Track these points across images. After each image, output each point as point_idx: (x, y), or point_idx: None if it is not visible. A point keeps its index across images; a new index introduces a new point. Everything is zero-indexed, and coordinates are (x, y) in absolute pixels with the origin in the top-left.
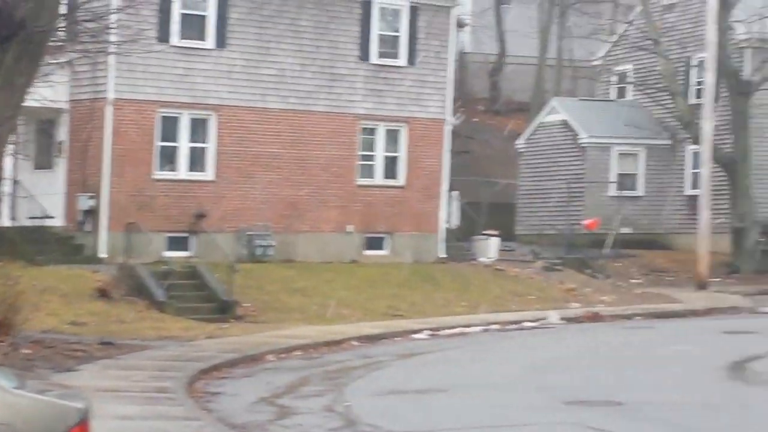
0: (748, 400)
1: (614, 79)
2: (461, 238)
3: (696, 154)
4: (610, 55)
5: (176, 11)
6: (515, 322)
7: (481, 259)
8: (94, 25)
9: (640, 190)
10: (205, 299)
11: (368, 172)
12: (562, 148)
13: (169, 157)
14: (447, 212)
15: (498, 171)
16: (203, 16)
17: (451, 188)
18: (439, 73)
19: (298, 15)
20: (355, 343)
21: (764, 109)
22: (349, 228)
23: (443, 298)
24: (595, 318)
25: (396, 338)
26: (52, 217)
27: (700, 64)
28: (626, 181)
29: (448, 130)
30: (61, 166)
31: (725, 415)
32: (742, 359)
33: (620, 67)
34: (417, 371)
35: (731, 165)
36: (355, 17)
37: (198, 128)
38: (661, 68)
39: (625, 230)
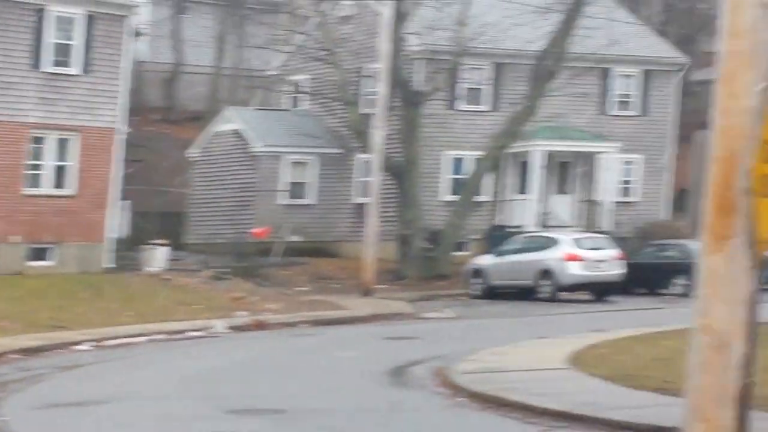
0: (405, 404)
1: (290, 88)
2: (130, 247)
3: (366, 163)
4: (286, 65)
5: None
6: (181, 332)
7: (149, 269)
8: None
9: (310, 199)
10: None
11: (36, 181)
12: (234, 157)
13: None
14: (117, 222)
15: (173, 180)
16: None
17: (124, 198)
18: (113, 83)
19: None
20: (14, 356)
21: (433, 119)
22: (14, 238)
23: (108, 309)
24: (262, 326)
25: (58, 350)
26: None
27: (374, 75)
28: (297, 189)
29: (120, 139)
30: None
31: (380, 419)
32: (402, 364)
33: (296, 77)
34: (79, 383)
35: (400, 173)
36: (27, 25)
37: None
38: (336, 78)
39: (295, 238)
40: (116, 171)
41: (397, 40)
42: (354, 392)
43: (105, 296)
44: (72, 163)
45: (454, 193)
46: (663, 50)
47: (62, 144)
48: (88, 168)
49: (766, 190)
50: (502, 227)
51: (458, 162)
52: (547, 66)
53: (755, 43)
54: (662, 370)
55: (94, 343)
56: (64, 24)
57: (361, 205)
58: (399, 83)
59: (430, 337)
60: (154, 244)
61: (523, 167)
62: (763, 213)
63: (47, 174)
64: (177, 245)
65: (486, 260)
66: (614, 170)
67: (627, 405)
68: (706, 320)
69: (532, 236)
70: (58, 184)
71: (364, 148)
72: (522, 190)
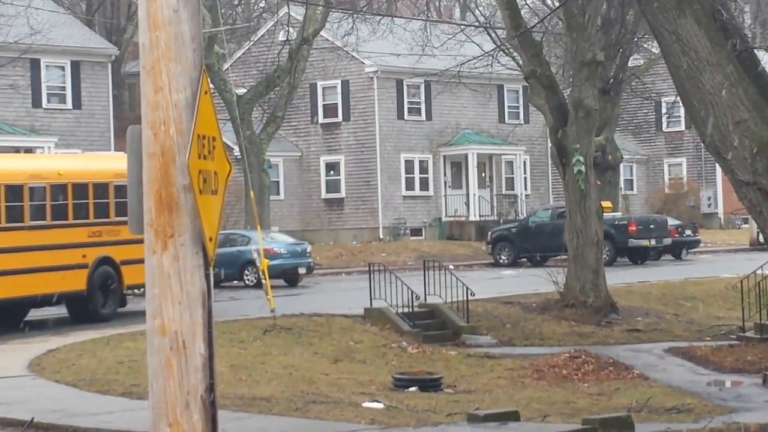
0: None
1: None
2: None
3: None
4: None
5: None
6: None
7: None
8: None
9: None
10: None
11: None
12: None
13: None
14: None
15: None
16: None
17: None
18: None
19: None
20: None
21: None
22: None
23: None
24: None
25: None
26: None
27: None
28: None
29: None
30: None
31: None
32: None
33: None
34: None
35: None
36: None
37: None
38: None
39: None
40: None
41: None
42: None
43: None
44: None
45: None
46: (92, 40)
47: None
48: None
49: (205, 186)
50: None
51: None
52: None
53: (175, 35)
54: (128, 373)
55: None
56: None
57: None
58: None
59: None
60: None
61: None
62: (205, 210)
63: None
64: None
65: None
66: None
67: (95, 411)
68: (159, 321)
69: None
70: None
71: None
72: None
